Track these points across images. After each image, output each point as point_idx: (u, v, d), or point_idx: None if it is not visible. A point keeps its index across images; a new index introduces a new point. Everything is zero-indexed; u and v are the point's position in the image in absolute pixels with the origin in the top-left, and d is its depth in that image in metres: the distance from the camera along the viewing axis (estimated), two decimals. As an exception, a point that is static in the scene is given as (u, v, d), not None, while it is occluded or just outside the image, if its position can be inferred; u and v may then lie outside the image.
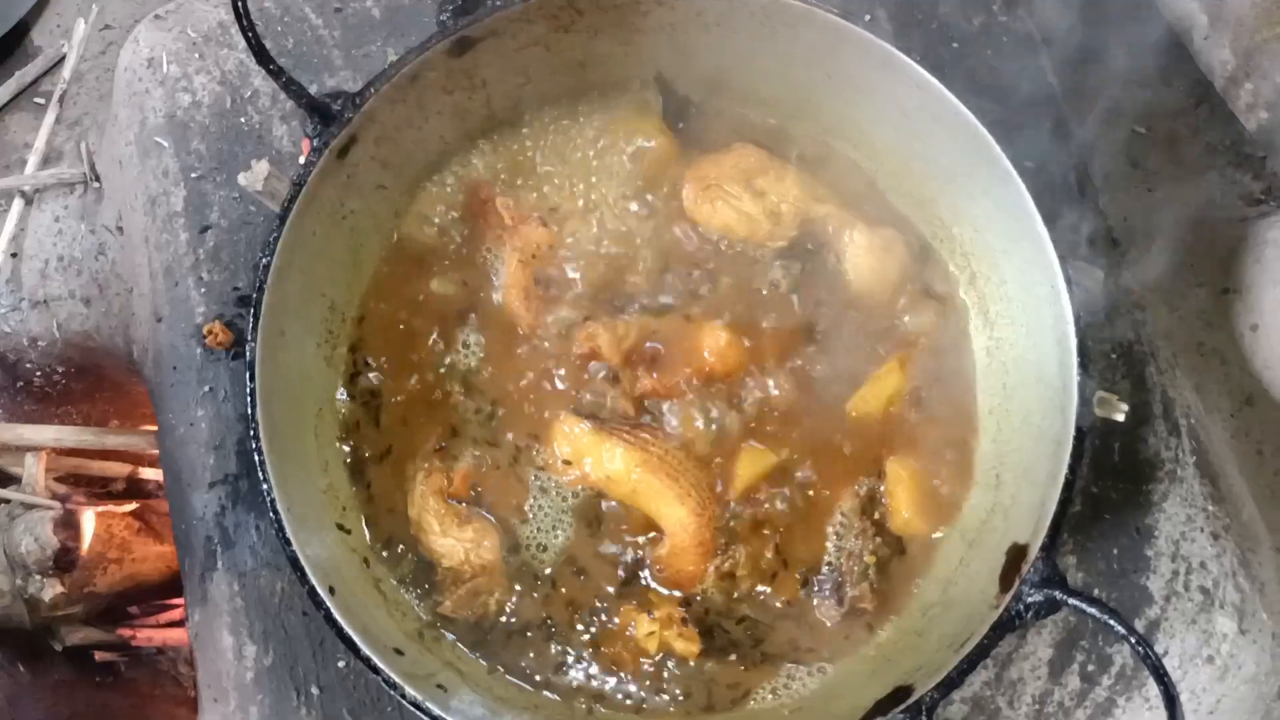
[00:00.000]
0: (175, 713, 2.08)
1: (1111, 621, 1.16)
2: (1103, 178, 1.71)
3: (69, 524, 1.83)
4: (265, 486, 1.21)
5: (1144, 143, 2.02)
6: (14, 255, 1.87)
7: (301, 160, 1.31)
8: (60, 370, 1.93)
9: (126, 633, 2.09)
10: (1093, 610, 1.18)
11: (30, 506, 1.82)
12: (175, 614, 2.12)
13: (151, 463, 2.04)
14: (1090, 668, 1.45)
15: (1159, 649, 1.46)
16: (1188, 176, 2.00)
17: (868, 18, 1.58)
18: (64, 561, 1.81)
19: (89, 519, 1.86)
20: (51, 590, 1.80)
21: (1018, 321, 1.40)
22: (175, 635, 2.10)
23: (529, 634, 1.36)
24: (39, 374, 1.93)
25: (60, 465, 1.93)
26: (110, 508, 1.88)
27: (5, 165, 1.92)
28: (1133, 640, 1.16)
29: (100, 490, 2.06)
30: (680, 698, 1.35)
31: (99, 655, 2.07)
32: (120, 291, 1.77)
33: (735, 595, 1.38)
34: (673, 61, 1.50)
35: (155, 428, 1.61)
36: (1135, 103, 2.07)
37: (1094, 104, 2.03)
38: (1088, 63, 2.07)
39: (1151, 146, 2.02)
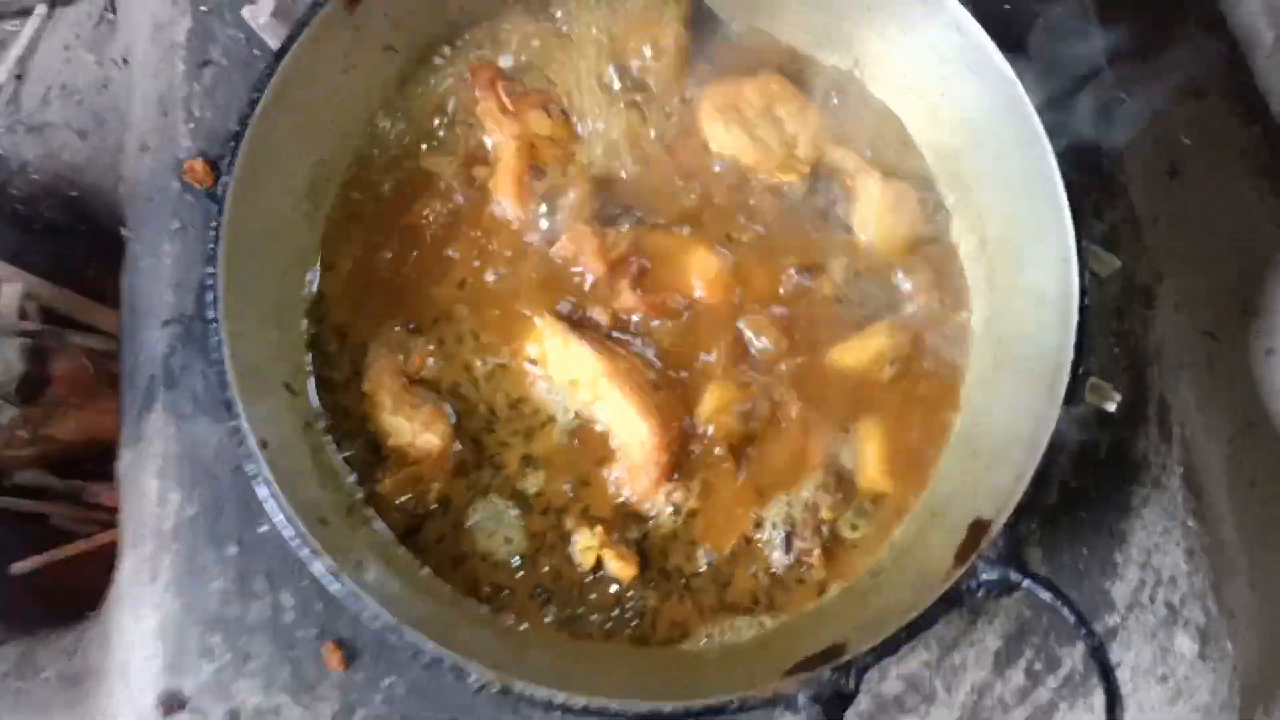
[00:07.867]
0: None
1: (1061, 607, 1.11)
2: (1140, 176, 1.63)
3: (39, 356, 1.80)
4: (213, 325, 1.16)
5: (1188, 153, 1.94)
6: (19, 77, 1.82)
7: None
8: (47, 203, 1.88)
9: (79, 484, 2.05)
10: (1046, 594, 1.13)
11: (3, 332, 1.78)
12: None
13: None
14: (1037, 666, 1.39)
15: (1113, 659, 1.40)
16: (1226, 195, 1.92)
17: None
18: (27, 390, 1.78)
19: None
20: (9, 414, 1.76)
21: (1022, 292, 1.34)
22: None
23: (461, 534, 1.30)
24: (24, 203, 1.88)
25: (44, 296, 1.88)
26: (81, 340, 1.84)
27: (25, -14, 1.86)
28: (1082, 632, 1.11)
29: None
30: (611, 623, 1.29)
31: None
32: (116, 128, 1.72)
33: (682, 526, 1.32)
34: (709, -32, 1.44)
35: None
36: (1187, 112, 2.00)
37: (1143, 103, 1.96)
38: (1147, 61, 1.99)
39: (1195, 159, 1.95)
